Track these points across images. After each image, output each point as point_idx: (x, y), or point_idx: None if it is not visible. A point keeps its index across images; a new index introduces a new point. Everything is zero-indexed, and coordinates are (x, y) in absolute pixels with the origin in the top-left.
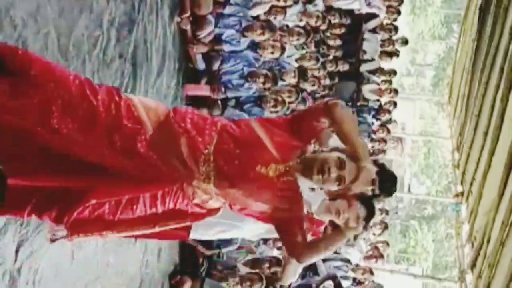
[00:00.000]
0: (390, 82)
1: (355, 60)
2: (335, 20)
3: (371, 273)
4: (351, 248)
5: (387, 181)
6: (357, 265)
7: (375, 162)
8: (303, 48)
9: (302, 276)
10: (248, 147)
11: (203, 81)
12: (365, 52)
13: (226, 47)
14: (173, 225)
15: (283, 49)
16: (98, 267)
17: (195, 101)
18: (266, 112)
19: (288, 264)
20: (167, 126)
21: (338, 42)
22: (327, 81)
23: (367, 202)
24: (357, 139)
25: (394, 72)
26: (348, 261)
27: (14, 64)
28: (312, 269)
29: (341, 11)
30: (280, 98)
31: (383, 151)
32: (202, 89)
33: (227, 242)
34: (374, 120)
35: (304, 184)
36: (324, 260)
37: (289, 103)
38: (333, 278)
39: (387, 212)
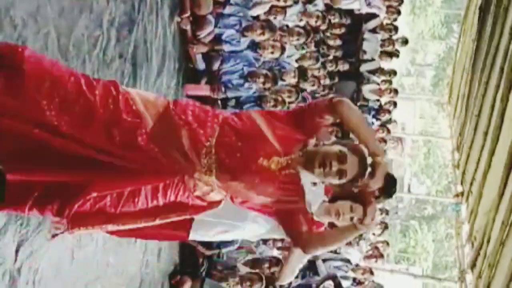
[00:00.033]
0: (390, 82)
1: (355, 60)
2: (335, 19)
3: (371, 273)
4: (351, 248)
5: (387, 184)
6: (357, 265)
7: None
8: (303, 48)
9: (302, 276)
10: (250, 140)
11: (203, 81)
12: (365, 52)
13: (226, 47)
14: (174, 217)
15: (283, 49)
16: (98, 267)
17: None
18: None
19: (287, 263)
20: (168, 118)
21: (338, 42)
22: (327, 81)
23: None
24: (368, 134)
25: (394, 72)
26: (348, 261)
27: (10, 60)
28: (312, 269)
29: (341, 11)
30: (280, 98)
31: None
32: (202, 89)
33: (227, 242)
34: (374, 120)
35: (306, 179)
36: (324, 260)
37: (289, 103)
38: (333, 278)
39: (387, 212)
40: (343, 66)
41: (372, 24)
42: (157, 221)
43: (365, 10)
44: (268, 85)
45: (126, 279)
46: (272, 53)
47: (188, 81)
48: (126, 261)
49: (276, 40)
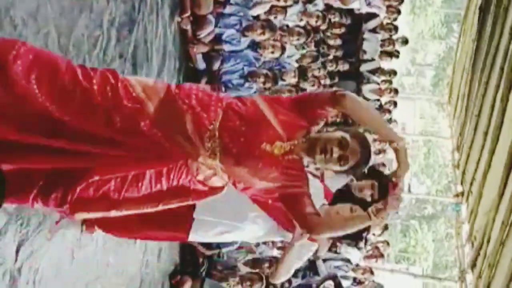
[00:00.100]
0: (390, 82)
1: (355, 59)
2: (335, 19)
3: (372, 272)
4: (351, 248)
5: (386, 186)
6: (357, 264)
7: (374, 169)
8: (303, 48)
9: (303, 276)
10: (254, 125)
11: (203, 81)
12: (365, 52)
13: (227, 47)
14: (177, 203)
15: (283, 48)
16: (98, 267)
17: None
18: None
19: (282, 261)
20: (171, 102)
21: (338, 41)
22: (327, 81)
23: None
24: (378, 124)
25: (394, 72)
26: (348, 260)
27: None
28: (312, 269)
29: (341, 11)
30: None
31: (384, 151)
32: None
33: (227, 242)
34: None
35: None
36: (324, 260)
37: None
38: (334, 278)
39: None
40: (343, 66)
41: (372, 24)
42: (160, 207)
43: (365, 9)
44: (268, 85)
45: (126, 279)
46: (272, 53)
47: (188, 80)
48: (126, 261)
49: (276, 40)
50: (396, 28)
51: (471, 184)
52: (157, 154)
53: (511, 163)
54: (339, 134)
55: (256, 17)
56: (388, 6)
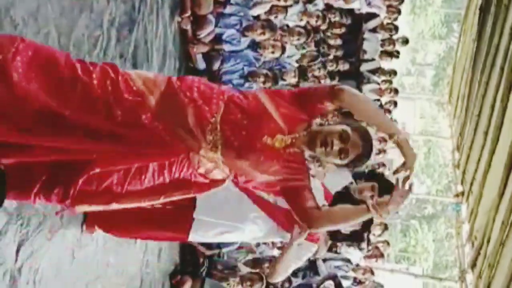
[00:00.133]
0: (390, 82)
1: (355, 59)
2: (336, 18)
3: (372, 272)
4: (351, 248)
5: (386, 188)
6: (357, 264)
7: (373, 172)
8: (303, 48)
9: (303, 276)
10: (255, 118)
11: None
12: (365, 51)
13: (227, 47)
14: (178, 196)
15: (283, 48)
16: (99, 267)
17: None
18: None
19: (280, 260)
20: (172, 95)
21: (339, 41)
22: (327, 81)
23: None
24: (378, 117)
25: (394, 72)
26: (348, 260)
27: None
28: (312, 269)
29: (342, 11)
30: None
31: (384, 151)
32: None
33: (228, 242)
34: None
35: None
36: (324, 260)
37: None
38: (334, 277)
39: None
40: (344, 66)
41: (372, 23)
42: (162, 199)
43: (365, 9)
44: (268, 85)
45: (127, 279)
46: (272, 52)
47: None
48: (126, 261)
49: (276, 39)
50: (396, 28)
51: (471, 184)
52: (158, 147)
53: (511, 163)
54: (340, 127)
55: (256, 17)
56: (388, 6)
